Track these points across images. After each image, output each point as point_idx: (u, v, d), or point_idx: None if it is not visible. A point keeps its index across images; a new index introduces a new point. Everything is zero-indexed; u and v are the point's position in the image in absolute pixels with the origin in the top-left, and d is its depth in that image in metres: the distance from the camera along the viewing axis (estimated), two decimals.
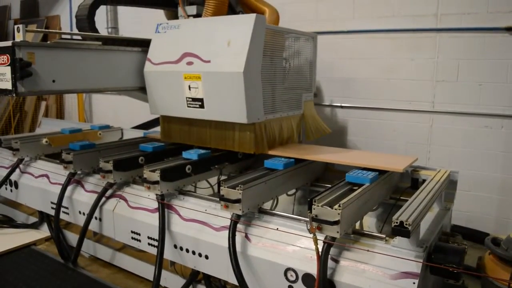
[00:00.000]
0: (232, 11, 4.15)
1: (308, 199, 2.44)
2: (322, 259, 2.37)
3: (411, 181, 3.34)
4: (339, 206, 2.32)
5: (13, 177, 4.50)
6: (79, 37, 3.98)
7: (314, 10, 5.21)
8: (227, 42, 3.29)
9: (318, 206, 2.37)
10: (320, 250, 2.39)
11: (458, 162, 4.46)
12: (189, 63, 3.46)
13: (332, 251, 2.44)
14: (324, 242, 2.40)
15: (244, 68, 3.14)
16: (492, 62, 4.23)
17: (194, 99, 3.53)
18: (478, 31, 4.24)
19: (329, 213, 2.34)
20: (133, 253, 3.72)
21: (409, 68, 4.69)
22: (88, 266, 3.90)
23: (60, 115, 8.35)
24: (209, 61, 3.37)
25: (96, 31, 3.99)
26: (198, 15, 3.96)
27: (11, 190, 4.58)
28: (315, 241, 2.38)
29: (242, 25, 3.26)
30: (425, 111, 4.65)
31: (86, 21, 3.86)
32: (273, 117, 3.61)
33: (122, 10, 7.27)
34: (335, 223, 2.32)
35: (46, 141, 4.65)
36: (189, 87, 3.51)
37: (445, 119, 4.55)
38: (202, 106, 3.50)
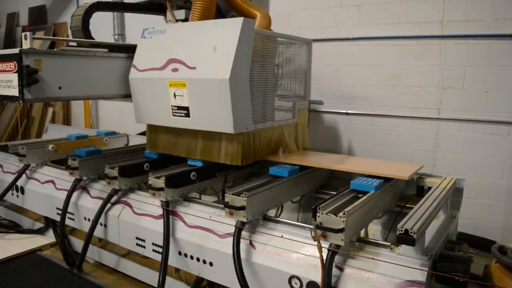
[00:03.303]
0: (222, 17, 4.04)
1: (313, 207, 2.43)
2: (327, 267, 2.36)
3: (416, 188, 3.32)
4: (344, 213, 2.31)
5: (19, 183, 4.52)
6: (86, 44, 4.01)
7: (319, 17, 5.22)
8: (213, 47, 3.14)
9: (322, 213, 2.37)
10: (324, 258, 2.37)
11: (465, 169, 4.43)
12: (174, 70, 3.31)
13: (337, 259, 2.43)
14: (328, 250, 2.39)
15: (231, 75, 2.98)
16: (498, 69, 4.21)
17: (179, 108, 3.37)
18: (484, 37, 4.23)
19: (333, 221, 2.33)
20: (138, 260, 3.71)
21: (415, 74, 4.68)
22: (93, 272, 3.90)
23: (66, 121, 8.39)
24: (194, 68, 3.21)
25: (92, 39, 4.00)
26: (186, 19, 3.83)
27: (17, 196, 4.60)
28: (320, 248, 2.37)
29: (229, 29, 3.10)
30: (431, 118, 4.63)
31: (81, 32, 3.87)
32: (264, 127, 3.46)
33: (129, 16, 7.32)
34: (340, 230, 2.31)
35: (53, 147, 4.67)
36: (174, 95, 3.36)
37: (451, 126, 4.53)
38: (187, 115, 3.34)
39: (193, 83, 3.22)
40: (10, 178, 4.56)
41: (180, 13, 3.92)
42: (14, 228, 4.76)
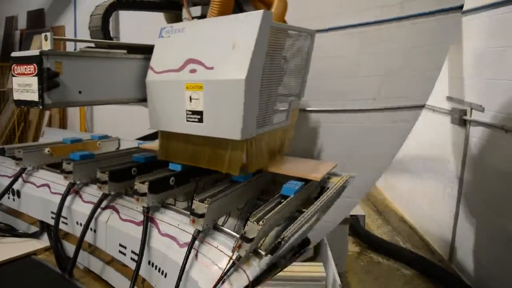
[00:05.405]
0: (241, 11, 3.62)
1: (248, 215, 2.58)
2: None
3: (320, 189, 3.20)
4: (263, 221, 2.45)
5: (15, 186, 4.46)
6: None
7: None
8: (232, 44, 2.82)
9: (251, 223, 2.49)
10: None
11: None
12: (192, 71, 3.00)
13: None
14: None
15: (247, 74, 2.69)
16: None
17: (193, 112, 3.06)
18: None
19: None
20: (119, 268, 3.59)
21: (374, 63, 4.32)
22: (82, 278, 3.79)
23: (62, 125, 8.33)
24: (212, 68, 2.90)
25: (111, 39, 3.74)
26: (202, 16, 3.53)
27: (13, 199, 4.55)
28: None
29: (248, 23, 2.78)
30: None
31: (100, 32, 3.61)
32: (263, 131, 3.17)
33: (122, 19, 7.38)
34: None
35: (48, 151, 4.68)
36: (190, 99, 3.05)
37: None
38: (201, 121, 3.03)
39: (209, 85, 2.93)
40: (6, 182, 4.50)
41: (196, 10, 3.62)
42: (10, 231, 4.68)
